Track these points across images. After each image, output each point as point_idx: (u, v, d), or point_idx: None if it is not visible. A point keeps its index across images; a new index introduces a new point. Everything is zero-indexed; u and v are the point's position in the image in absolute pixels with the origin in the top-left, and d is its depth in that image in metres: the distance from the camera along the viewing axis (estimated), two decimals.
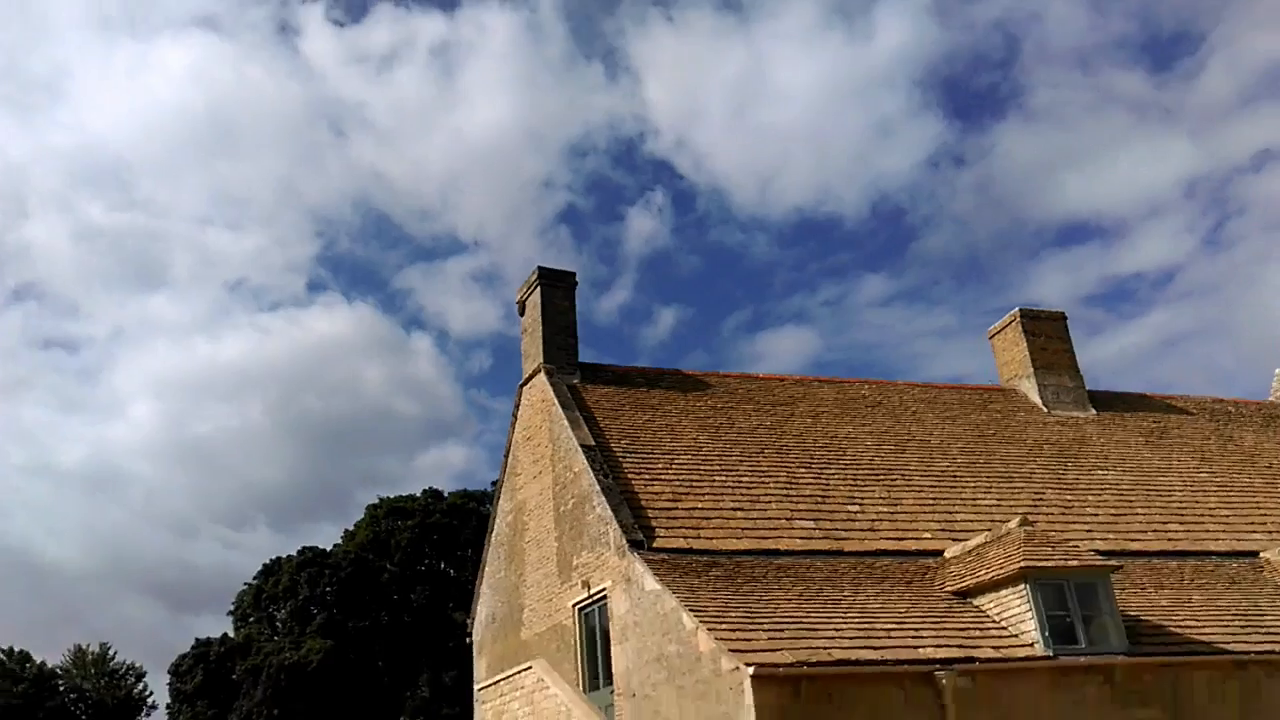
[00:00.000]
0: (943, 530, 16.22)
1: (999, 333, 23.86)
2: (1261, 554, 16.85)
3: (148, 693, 56.54)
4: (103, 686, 55.47)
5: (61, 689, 54.76)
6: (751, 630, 11.83)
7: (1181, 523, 17.73)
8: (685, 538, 14.77)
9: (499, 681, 18.31)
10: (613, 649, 14.75)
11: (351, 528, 51.91)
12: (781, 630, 11.88)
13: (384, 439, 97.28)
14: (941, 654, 11.71)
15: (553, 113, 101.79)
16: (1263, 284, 79.97)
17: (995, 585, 13.18)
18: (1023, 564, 12.75)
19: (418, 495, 51.53)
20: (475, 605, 21.73)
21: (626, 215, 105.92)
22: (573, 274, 20.77)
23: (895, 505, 16.82)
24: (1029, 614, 12.46)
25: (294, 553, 49.11)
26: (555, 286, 20.37)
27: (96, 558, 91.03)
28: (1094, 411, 22.09)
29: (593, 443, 16.80)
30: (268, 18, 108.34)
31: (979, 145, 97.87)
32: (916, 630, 12.37)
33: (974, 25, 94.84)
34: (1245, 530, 17.72)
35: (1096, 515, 17.57)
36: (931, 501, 17.17)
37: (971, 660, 11.71)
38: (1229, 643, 13.13)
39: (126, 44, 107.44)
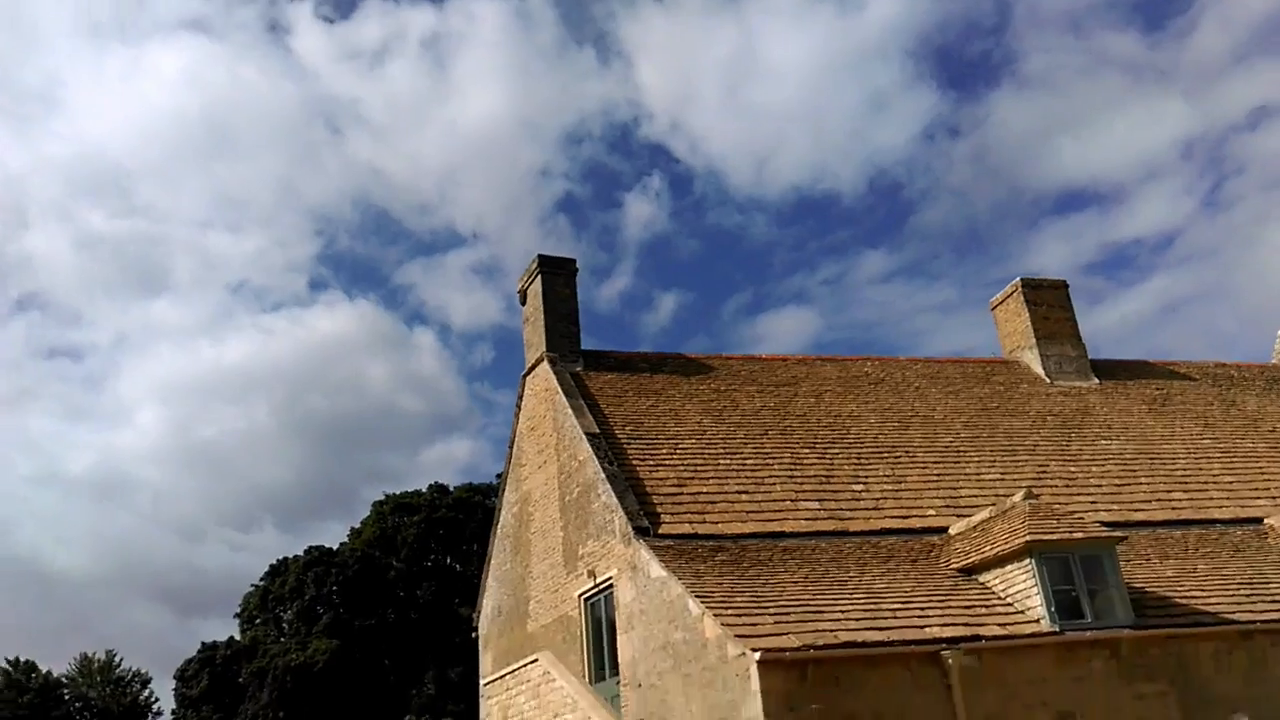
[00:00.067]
0: (947, 506, 16.18)
1: (1001, 303, 23.82)
2: (1266, 520, 16.80)
3: (153, 699, 56.67)
4: (108, 694, 55.50)
5: (67, 698, 54.84)
6: (758, 615, 11.80)
7: (1185, 491, 17.68)
8: (691, 523, 14.74)
9: (505, 675, 18.29)
10: (619, 638, 14.72)
11: (358, 525, 52.03)
12: (787, 614, 11.86)
13: (389, 435, 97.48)
14: (947, 633, 11.68)
15: (546, 100, 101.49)
16: (1262, 244, 79.77)
17: (1000, 561, 13.14)
18: (1028, 538, 12.71)
19: (423, 491, 51.57)
20: (481, 599, 21.70)
21: (624, 201, 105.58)
22: (573, 261, 20.72)
23: (900, 483, 16.78)
24: (1035, 589, 12.42)
25: (300, 553, 49.29)
26: (556, 274, 20.33)
27: (105, 564, 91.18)
28: (1097, 381, 22.04)
29: (597, 430, 16.74)
30: (256, 17, 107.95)
31: (973, 115, 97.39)
32: (922, 609, 12.34)
33: None
34: (1249, 496, 17.67)
35: (1100, 486, 17.53)
36: (936, 478, 17.13)
37: (977, 639, 11.67)
38: (1234, 612, 13.08)
39: (118, 50, 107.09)
